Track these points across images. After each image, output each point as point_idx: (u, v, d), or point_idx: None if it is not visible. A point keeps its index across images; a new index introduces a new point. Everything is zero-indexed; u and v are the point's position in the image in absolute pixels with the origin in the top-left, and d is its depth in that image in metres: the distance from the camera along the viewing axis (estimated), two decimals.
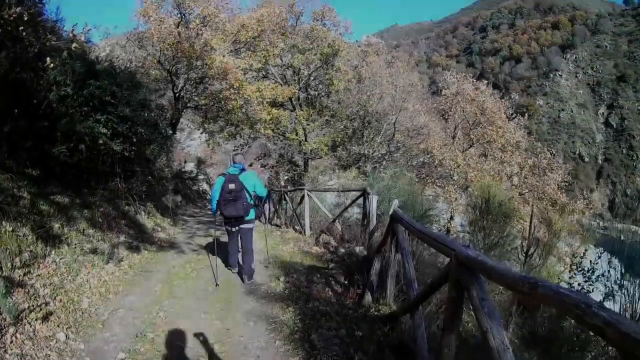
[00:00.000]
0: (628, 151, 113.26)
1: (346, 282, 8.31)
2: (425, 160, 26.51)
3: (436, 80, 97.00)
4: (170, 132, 14.20)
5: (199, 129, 24.66)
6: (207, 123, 22.71)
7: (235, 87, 18.42)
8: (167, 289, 7.95)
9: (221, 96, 19.69)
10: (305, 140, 25.14)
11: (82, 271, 7.42)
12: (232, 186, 7.61)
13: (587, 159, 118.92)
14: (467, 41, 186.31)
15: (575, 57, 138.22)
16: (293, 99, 25.98)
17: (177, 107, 20.65)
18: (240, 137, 25.91)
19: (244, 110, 20.10)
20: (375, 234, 8.87)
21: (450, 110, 26.20)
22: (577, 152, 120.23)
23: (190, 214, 22.44)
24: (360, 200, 11.71)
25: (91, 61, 11.41)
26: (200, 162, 40.61)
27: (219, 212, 8.00)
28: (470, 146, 25.64)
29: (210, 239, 12.47)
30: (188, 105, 21.83)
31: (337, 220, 12.57)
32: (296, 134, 24.35)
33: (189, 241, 13.32)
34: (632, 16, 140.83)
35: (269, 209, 18.30)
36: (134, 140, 12.23)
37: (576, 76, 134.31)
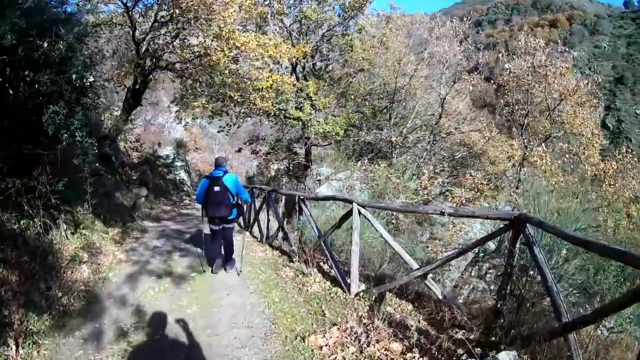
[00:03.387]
0: (624, 154, 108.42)
1: None
2: (465, 155, 20.22)
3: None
4: (92, 79, 7.42)
5: (172, 101, 17.76)
6: (187, 95, 15.93)
7: (221, 27, 11.73)
8: None
9: (203, 45, 13.00)
10: (310, 121, 18.38)
11: None
12: (216, 189, 7.72)
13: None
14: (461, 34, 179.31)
15: (573, 57, 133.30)
16: (298, 67, 19.34)
17: (138, 62, 13.90)
18: (227, 114, 19.23)
19: (234, 67, 13.41)
20: None
21: (516, 91, 19.52)
22: (574, 153, 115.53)
23: (158, 214, 15.92)
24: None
25: None
26: (179, 146, 33.66)
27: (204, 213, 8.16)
28: (546, 139, 19.12)
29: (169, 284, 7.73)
30: (159, 64, 15.04)
31: (428, 276, 5.95)
32: (301, 111, 17.60)
33: (125, 291, 7.25)
34: (632, 19, 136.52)
35: (267, 220, 11.62)
36: (19, 92, 5.86)
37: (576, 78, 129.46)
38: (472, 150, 20.56)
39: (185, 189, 26.39)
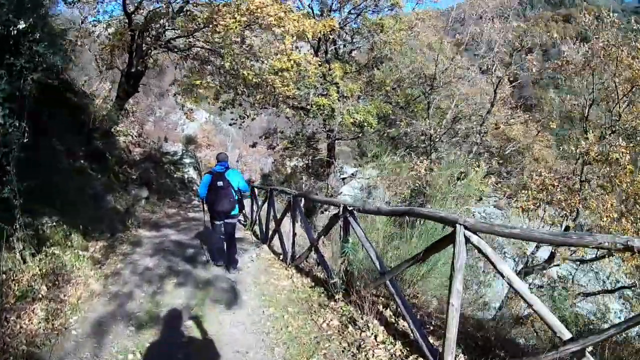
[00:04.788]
0: None
1: None
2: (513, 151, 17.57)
3: None
4: (23, 26, 4.59)
5: (172, 83, 14.91)
6: (191, 75, 13.18)
7: None
8: None
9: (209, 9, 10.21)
10: (336, 109, 15.49)
11: None
12: (220, 183, 7.57)
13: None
14: (454, 41, 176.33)
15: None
16: (320, 51, 16.60)
17: (131, 35, 11.23)
18: (240, 106, 16.58)
19: (245, 35, 10.58)
20: None
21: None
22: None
23: (158, 219, 13.21)
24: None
25: None
26: (189, 142, 30.96)
27: (207, 208, 8.07)
28: (613, 132, 15.88)
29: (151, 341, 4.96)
30: (158, 42, 12.32)
31: (587, 350, 3.14)
32: (326, 98, 14.78)
33: (83, 355, 4.59)
34: None
35: (292, 234, 8.54)
36: None
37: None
38: (518, 146, 18.02)
39: (194, 188, 23.55)
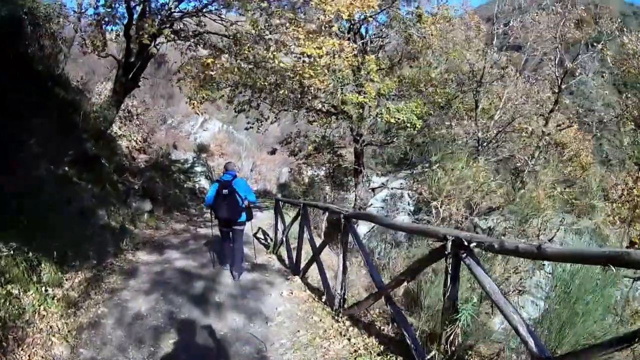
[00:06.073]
0: None
1: None
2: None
3: None
4: None
5: (177, 71, 12.49)
6: (207, 60, 10.90)
7: None
8: None
9: None
10: (372, 108, 13.31)
11: None
12: (225, 191, 7.52)
13: (614, 162, 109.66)
14: (488, 36, 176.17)
15: (601, 56, 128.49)
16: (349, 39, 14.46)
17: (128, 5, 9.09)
18: (258, 107, 14.50)
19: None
20: None
21: None
22: (605, 155, 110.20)
23: (162, 238, 10.92)
24: None
25: None
26: (201, 151, 28.91)
27: (214, 216, 7.97)
28: None
29: None
30: (164, 26, 10.10)
31: None
32: (364, 96, 12.56)
33: None
34: None
35: (342, 267, 5.66)
36: None
37: (602, 76, 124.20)
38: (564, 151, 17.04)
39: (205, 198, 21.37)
